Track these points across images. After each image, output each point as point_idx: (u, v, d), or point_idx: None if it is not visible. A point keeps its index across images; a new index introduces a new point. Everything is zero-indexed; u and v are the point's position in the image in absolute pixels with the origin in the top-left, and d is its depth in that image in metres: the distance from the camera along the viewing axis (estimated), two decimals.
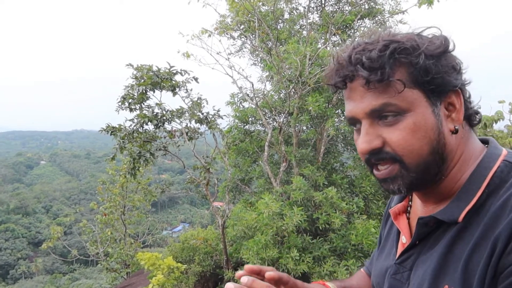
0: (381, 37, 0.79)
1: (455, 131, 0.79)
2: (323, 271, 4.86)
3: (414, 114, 0.76)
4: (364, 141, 0.78)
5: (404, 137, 0.76)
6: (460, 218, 0.76)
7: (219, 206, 6.46)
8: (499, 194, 0.73)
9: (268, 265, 4.99)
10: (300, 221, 4.91)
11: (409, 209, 0.95)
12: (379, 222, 5.36)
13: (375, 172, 0.82)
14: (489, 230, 0.70)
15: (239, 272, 0.84)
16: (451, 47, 0.78)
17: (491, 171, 0.78)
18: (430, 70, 0.75)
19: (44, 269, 48.09)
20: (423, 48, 0.75)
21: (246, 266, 0.84)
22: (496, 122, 6.31)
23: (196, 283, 5.89)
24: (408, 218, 0.94)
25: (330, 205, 5.22)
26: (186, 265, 5.53)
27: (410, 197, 0.96)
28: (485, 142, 0.86)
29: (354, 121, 0.82)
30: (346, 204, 5.24)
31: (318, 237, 5.36)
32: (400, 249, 0.91)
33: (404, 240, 0.90)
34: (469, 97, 0.83)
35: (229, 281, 5.73)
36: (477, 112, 0.84)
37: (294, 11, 7.98)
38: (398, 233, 0.95)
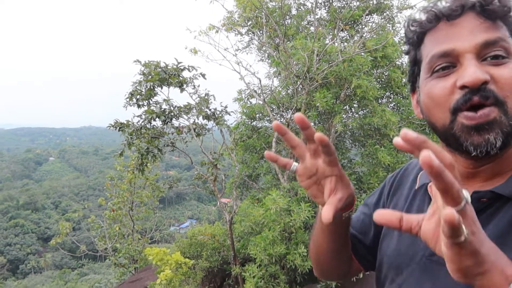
0: None
1: None
2: None
3: None
4: (476, 70, 0.70)
5: None
6: None
7: (226, 202, 6.46)
8: None
9: (276, 261, 5.00)
10: (308, 217, 4.91)
11: None
12: None
13: (469, 116, 0.72)
14: None
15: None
16: None
17: None
18: None
19: (53, 264, 48.59)
20: None
21: (297, 115, 0.75)
22: None
23: (203, 279, 5.92)
24: None
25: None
26: (193, 261, 5.55)
27: None
28: None
29: (449, 58, 0.75)
30: None
31: None
32: None
33: None
34: None
35: (236, 277, 5.77)
36: None
37: (302, 7, 7.95)
38: None
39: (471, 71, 0.70)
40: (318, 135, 0.73)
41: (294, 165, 0.82)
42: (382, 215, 0.55)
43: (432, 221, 0.57)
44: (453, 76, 0.74)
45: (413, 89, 0.90)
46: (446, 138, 0.79)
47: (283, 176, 6.14)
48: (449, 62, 0.75)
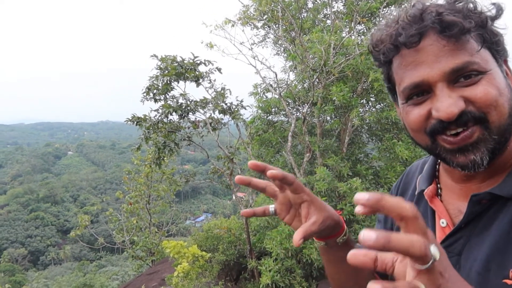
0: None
1: None
2: None
3: (492, 73, 0.71)
4: (450, 104, 0.69)
5: (489, 91, 0.69)
6: None
7: (242, 196, 6.49)
8: None
9: (292, 255, 5.00)
10: None
11: (439, 191, 0.88)
12: None
13: (449, 141, 0.72)
14: None
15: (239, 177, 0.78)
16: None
17: None
18: (496, 32, 0.73)
19: (72, 256, 49.65)
20: (487, 9, 0.73)
21: (250, 162, 0.74)
22: None
23: (220, 272, 5.96)
24: (441, 201, 0.87)
25: (354, 196, 5.17)
26: (210, 254, 5.59)
27: (437, 179, 0.90)
28: None
29: (421, 88, 0.73)
30: None
31: None
32: (440, 234, 0.83)
33: (444, 223, 0.83)
34: None
35: (252, 270, 5.80)
36: None
37: (318, 0, 7.86)
38: (433, 217, 0.87)
39: (445, 105, 0.69)
40: (269, 173, 0.73)
41: (271, 207, 0.85)
42: (355, 257, 0.49)
43: (404, 264, 0.54)
44: (428, 103, 0.73)
45: (395, 99, 0.88)
46: (434, 155, 0.80)
47: (299, 171, 6.12)
48: (423, 90, 0.74)
